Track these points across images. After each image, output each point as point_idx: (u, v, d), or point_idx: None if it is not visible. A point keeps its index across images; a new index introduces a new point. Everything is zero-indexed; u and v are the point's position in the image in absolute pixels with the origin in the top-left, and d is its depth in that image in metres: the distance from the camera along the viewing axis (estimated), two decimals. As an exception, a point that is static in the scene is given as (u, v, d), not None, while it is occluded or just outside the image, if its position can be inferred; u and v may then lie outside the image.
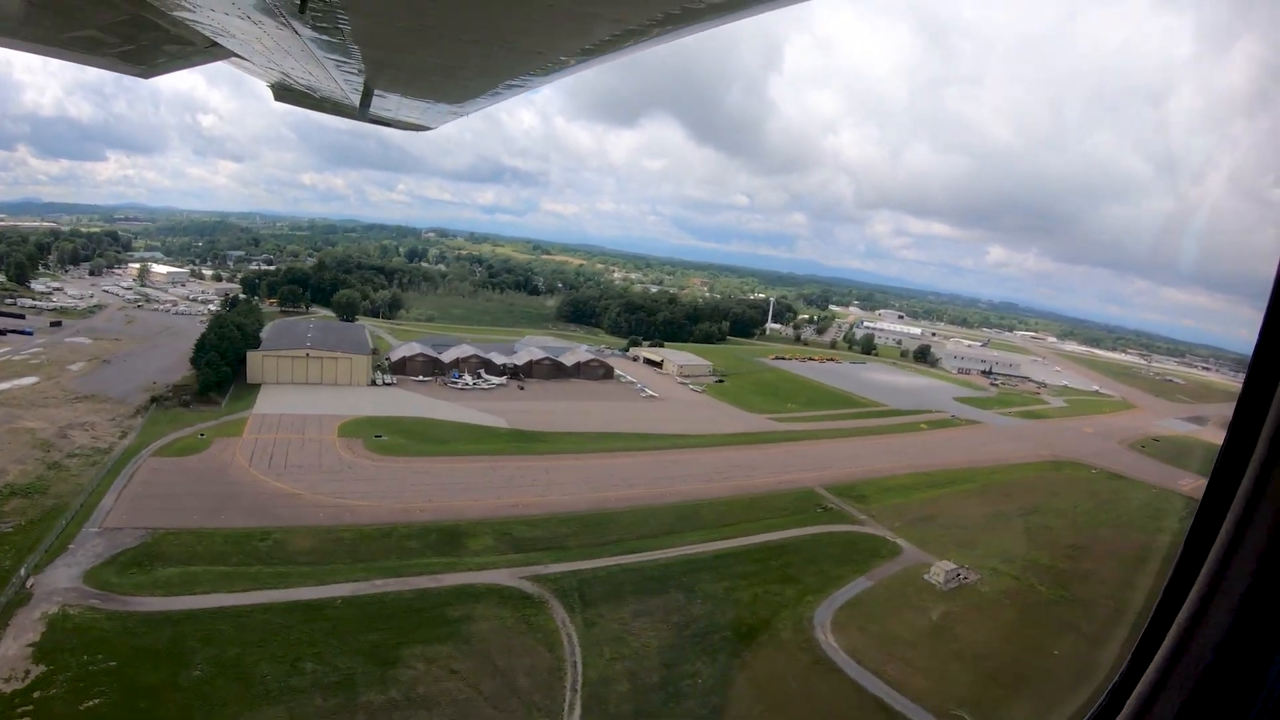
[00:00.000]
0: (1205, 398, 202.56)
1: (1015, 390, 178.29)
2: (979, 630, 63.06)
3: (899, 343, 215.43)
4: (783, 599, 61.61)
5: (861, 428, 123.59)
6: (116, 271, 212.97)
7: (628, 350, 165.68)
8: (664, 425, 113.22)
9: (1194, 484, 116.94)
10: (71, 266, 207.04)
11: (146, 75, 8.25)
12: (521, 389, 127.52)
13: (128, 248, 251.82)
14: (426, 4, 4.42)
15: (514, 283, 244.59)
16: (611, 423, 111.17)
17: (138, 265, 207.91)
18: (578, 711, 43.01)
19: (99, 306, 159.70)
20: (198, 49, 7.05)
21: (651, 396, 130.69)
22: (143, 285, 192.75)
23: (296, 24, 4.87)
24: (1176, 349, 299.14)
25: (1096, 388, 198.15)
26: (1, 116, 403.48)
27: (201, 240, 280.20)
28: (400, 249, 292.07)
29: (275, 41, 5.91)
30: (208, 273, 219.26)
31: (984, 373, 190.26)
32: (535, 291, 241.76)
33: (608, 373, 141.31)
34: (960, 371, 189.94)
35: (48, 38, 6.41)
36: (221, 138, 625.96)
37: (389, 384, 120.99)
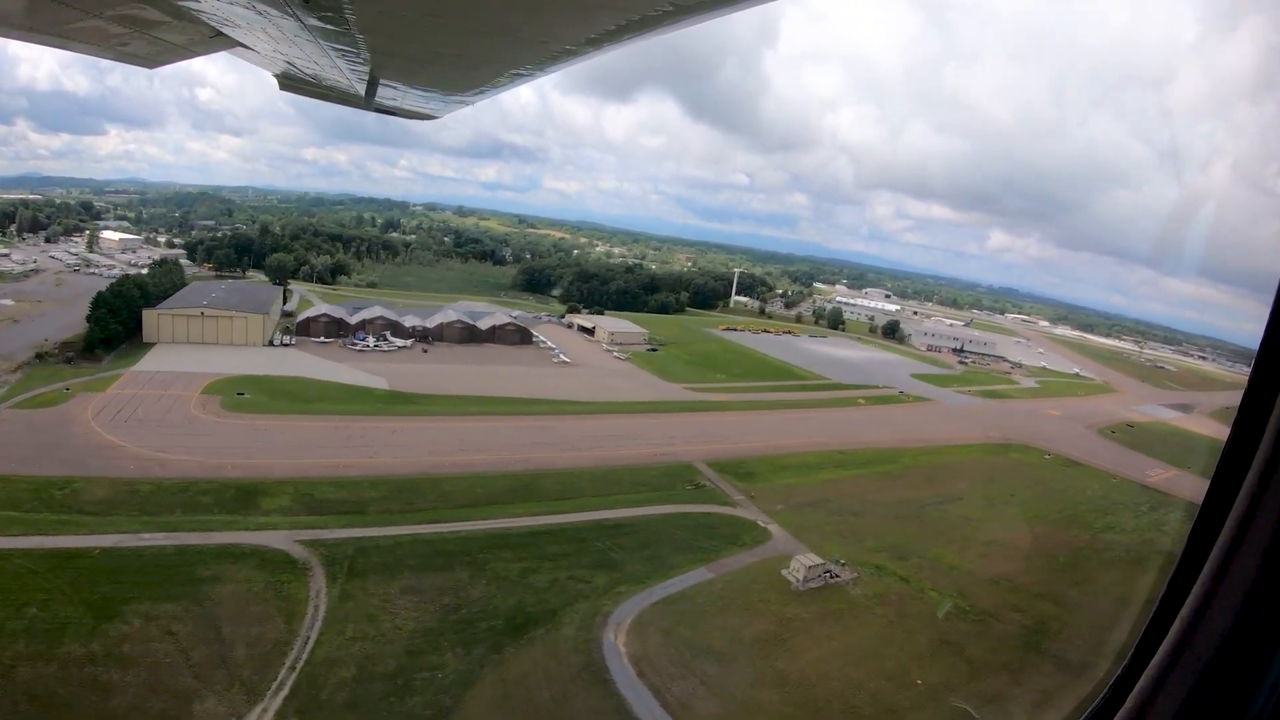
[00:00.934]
0: (1196, 386, 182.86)
1: (984, 369, 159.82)
2: (824, 645, 47.54)
3: (871, 318, 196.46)
4: (588, 588, 49.51)
5: (788, 400, 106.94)
6: (75, 239, 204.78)
7: (564, 317, 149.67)
8: (561, 391, 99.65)
9: (1164, 475, 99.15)
10: (30, 234, 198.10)
11: (151, 65, 7.93)
12: (425, 351, 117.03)
13: (98, 217, 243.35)
14: None
15: (481, 253, 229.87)
16: (503, 387, 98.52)
17: (86, 233, 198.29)
18: (284, 693, 35.88)
19: (36, 271, 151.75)
20: (202, 39, 6.81)
21: (564, 362, 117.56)
22: (90, 251, 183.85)
23: (301, 13, 4.70)
24: (1174, 338, 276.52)
25: (1077, 370, 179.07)
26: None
27: (180, 211, 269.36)
28: (378, 220, 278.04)
29: (280, 31, 5.74)
30: (162, 239, 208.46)
31: (955, 350, 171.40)
32: (502, 262, 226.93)
33: (525, 338, 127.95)
34: (929, 349, 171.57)
35: (52, 28, 6.04)
36: (220, 112, 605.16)
37: (287, 345, 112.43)
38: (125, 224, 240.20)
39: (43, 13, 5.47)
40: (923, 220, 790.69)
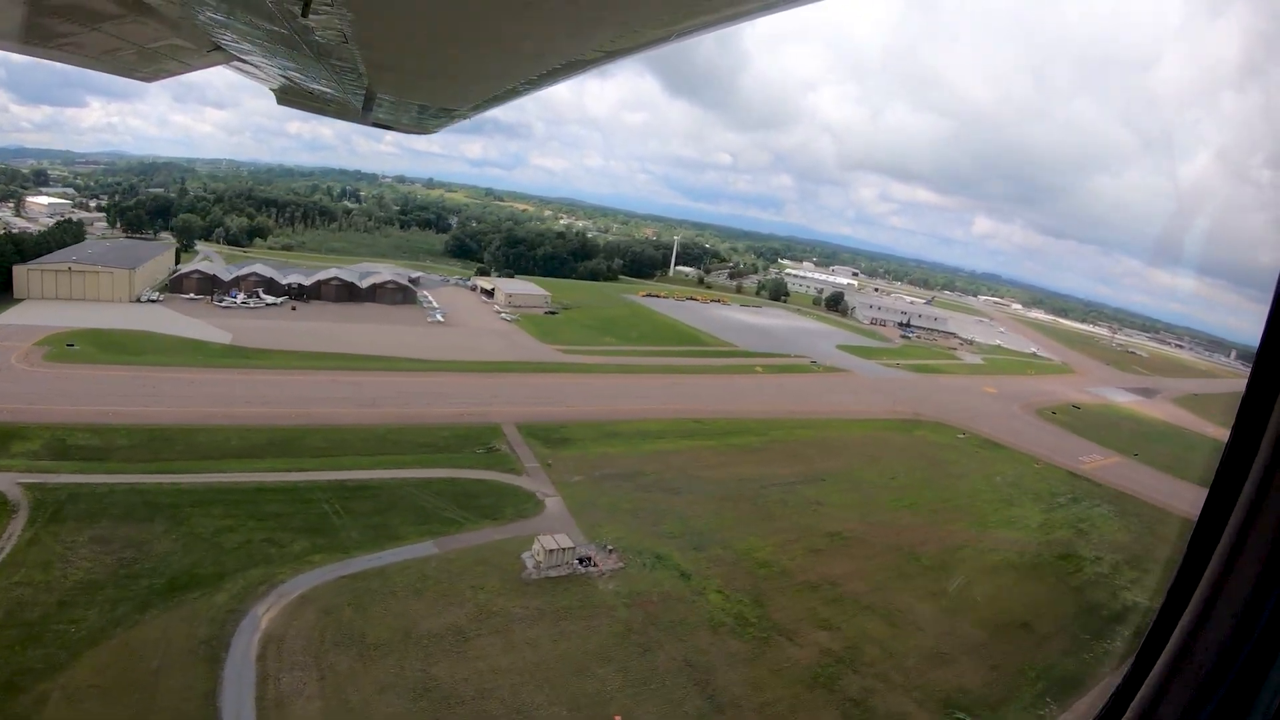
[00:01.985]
0: (1165, 372, 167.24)
1: (928, 344, 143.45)
2: (518, 652, 35.02)
3: (820, 291, 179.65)
4: (280, 553, 40.72)
5: (671, 365, 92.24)
6: (8, 204, 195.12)
7: (469, 279, 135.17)
8: (412, 349, 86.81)
9: (1101, 461, 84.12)
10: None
11: (150, 79, 7.77)
12: (294, 309, 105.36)
13: (46, 184, 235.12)
14: (429, 10, 4.09)
15: (425, 221, 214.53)
16: (352, 344, 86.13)
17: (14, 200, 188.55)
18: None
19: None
20: (199, 54, 6.70)
21: (438, 322, 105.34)
22: (16, 215, 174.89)
23: (299, 29, 4.57)
24: (1153, 326, 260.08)
25: (1034, 349, 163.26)
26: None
27: (138, 178, 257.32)
28: (334, 189, 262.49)
29: (278, 46, 5.56)
30: (92, 204, 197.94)
31: (901, 325, 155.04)
32: (447, 230, 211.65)
33: (408, 297, 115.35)
34: (873, 322, 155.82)
35: (49, 42, 5.96)
36: (200, 84, 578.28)
37: (154, 300, 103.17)
38: (71, 191, 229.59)
39: (40, 26, 5.38)
40: (907, 204, 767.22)
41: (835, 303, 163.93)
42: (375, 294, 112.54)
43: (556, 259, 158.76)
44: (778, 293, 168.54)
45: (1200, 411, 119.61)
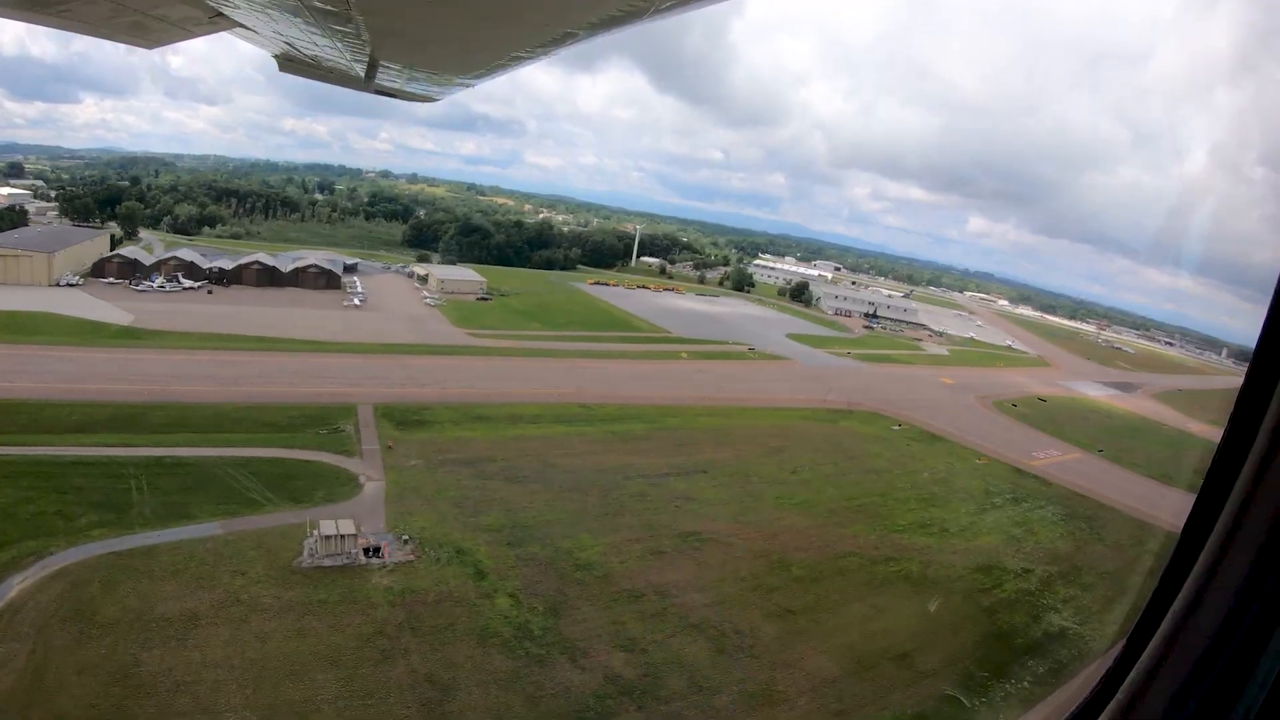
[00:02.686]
0: (1151, 368, 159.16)
1: (893, 335, 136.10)
2: (243, 647, 30.04)
3: (789, 282, 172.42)
4: (65, 526, 37.79)
5: (588, 350, 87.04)
6: None
7: (406, 266, 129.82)
8: (312, 331, 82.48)
9: (1057, 457, 77.70)
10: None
11: (151, 46, 7.57)
12: (210, 293, 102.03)
13: (16, 176, 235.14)
14: None
15: (391, 212, 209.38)
16: (254, 326, 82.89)
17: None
18: None
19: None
20: (202, 19, 6.52)
21: (354, 306, 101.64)
22: None
23: None
24: (1144, 324, 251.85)
25: (1010, 343, 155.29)
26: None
27: (114, 173, 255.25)
28: (307, 183, 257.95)
29: (280, 11, 5.57)
30: (53, 193, 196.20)
31: (866, 315, 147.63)
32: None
33: (331, 282, 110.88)
34: (837, 312, 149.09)
35: (51, 8, 5.84)
36: (192, 79, 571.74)
37: (71, 284, 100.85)
38: (40, 183, 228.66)
39: None
40: (901, 202, 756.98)
41: (799, 293, 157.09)
42: (298, 278, 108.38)
43: (511, 248, 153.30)
44: (741, 283, 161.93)
45: (1182, 407, 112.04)
